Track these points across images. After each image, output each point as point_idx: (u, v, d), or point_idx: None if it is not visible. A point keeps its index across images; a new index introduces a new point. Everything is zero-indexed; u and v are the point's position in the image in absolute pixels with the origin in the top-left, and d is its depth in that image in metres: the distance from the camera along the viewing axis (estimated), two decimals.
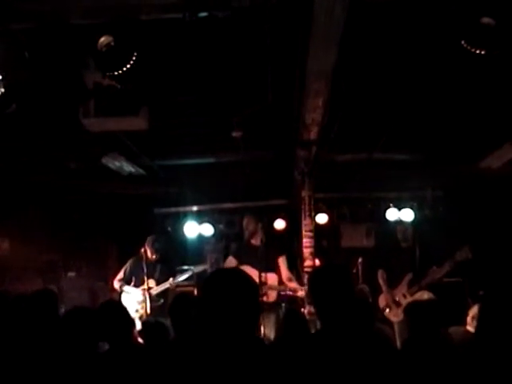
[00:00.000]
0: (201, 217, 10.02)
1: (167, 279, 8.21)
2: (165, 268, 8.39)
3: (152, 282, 8.07)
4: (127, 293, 8.13)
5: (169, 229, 10.20)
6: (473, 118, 6.60)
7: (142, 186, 9.57)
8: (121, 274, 8.34)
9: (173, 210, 10.23)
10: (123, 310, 4.54)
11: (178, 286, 8.52)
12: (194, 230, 10.01)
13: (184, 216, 10.00)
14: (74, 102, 5.42)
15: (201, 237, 10.26)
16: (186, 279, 8.54)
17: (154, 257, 8.27)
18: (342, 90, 5.31)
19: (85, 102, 5.38)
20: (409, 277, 7.78)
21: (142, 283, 8.06)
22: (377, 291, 8.20)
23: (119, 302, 6.30)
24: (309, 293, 3.11)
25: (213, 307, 2.33)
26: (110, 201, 10.32)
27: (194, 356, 2.33)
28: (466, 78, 5.27)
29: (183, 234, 10.05)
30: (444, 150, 7.86)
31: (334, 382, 2.65)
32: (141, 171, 8.55)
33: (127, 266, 8.37)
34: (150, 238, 8.39)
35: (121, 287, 8.19)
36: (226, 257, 11.06)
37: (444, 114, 6.53)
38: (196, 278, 9.68)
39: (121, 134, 6.64)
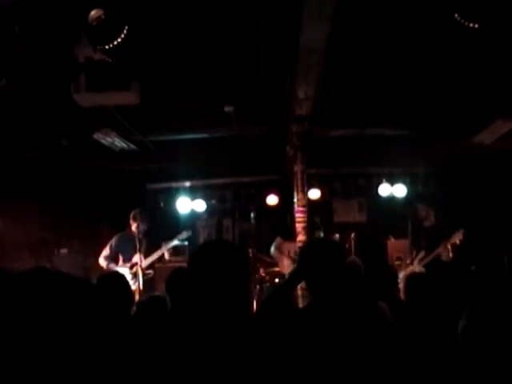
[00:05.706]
0: (193, 192, 10.03)
1: (154, 252, 8.23)
2: (150, 241, 8.35)
3: (138, 257, 8.02)
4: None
5: (161, 204, 10.21)
6: (465, 94, 6.59)
7: (135, 161, 9.53)
8: (106, 251, 8.28)
9: (165, 185, 10.23)
10: (124, 282, 4.47)
11: (169, 261, 8.55)
12: (187, 205, 10.03)
13: (176, 191, 10.00)
14: (65, 76, 5.37)
15: (193, 212, 10.28)
16: (174, 246, 8.57)
17: (140, 229, 8.12)
18: (334, 64, 5.29)
19: (76, 76, 5.34)
20: (421, 255, 7.93)
21: (131, 258, 8.06)
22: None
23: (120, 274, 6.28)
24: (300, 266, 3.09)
25: (199, 278, 2.33)
26: (102, 177, 10.28)
27: (182, 328, 2.33)
28: (458, 53, 5.25)
29: (176, 210, 10.05)
30: (437, 125, 7.86)
31: (325, 355, 2.67)
32: (133, 147, 8.50)
33: (112, 242, 8.31)
34: (133, 212, 8.28)
35: (108, 266, 8.15)
36: (218, 229, 11.20)
37: (436, 90, 6.51)
38: (188, 253, 9.75)
39: (113, 110, 6.60)
